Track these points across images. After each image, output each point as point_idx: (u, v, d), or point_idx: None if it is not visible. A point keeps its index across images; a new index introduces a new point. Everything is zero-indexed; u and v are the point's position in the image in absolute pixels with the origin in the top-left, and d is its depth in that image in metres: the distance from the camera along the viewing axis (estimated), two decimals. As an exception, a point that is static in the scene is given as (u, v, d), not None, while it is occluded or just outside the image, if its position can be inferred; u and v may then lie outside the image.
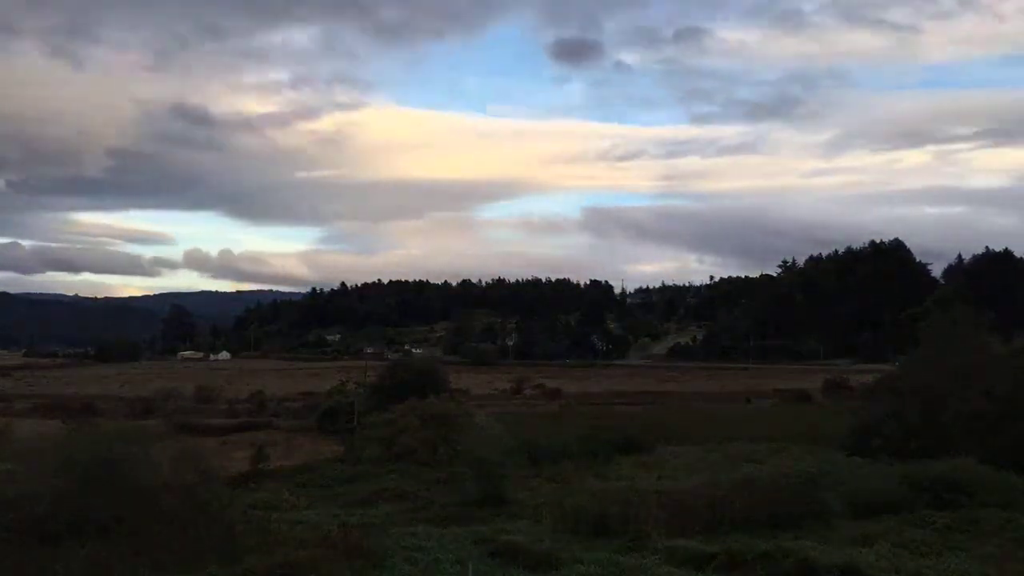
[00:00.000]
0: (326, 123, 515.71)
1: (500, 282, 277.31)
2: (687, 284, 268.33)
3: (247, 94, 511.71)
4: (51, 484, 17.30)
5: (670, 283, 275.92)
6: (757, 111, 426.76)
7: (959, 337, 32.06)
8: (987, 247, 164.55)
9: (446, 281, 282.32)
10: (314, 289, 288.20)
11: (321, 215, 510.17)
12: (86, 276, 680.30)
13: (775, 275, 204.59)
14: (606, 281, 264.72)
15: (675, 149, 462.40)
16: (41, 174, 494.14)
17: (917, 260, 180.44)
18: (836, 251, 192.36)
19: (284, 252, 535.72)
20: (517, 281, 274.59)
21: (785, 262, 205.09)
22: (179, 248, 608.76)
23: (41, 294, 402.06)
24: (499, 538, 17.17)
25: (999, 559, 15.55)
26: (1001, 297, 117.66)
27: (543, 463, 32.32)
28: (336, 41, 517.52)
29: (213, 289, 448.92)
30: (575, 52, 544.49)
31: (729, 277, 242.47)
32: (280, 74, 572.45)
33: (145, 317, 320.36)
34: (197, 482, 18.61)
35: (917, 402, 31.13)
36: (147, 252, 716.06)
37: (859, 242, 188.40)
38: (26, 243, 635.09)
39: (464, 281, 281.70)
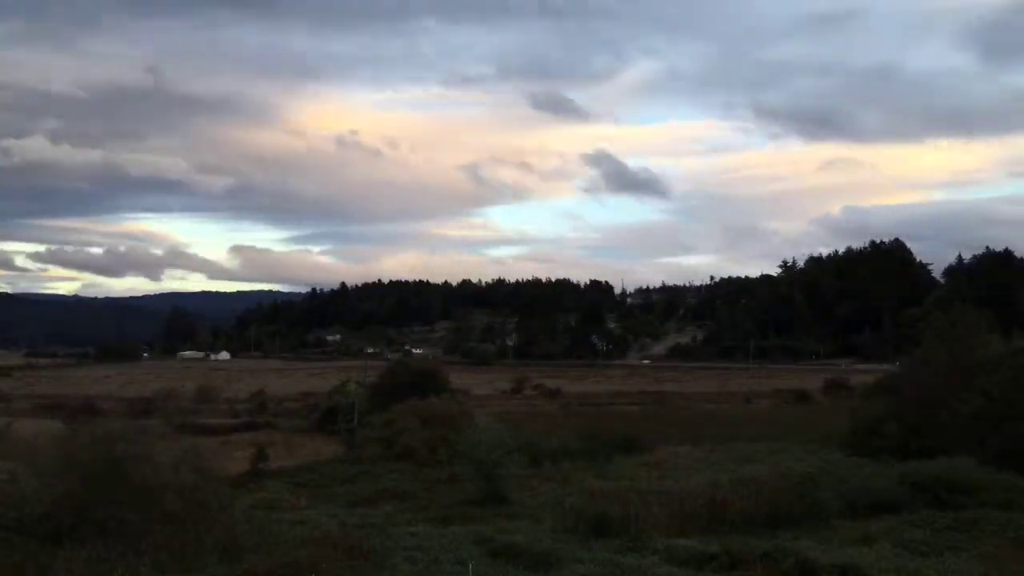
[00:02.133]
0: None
1: (500, 282, 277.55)
2: (687, 284, 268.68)
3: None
4: (51, 484, 17.30)
5: (670, 283, 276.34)
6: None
7: (959, 337, 32.06)
8: (987, 247, 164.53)
9: (446, 281, 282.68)
10: (314, 289, 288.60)
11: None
12: (86, 276, 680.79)
13: (775, 275, 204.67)
14: (606, 281, 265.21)
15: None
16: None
17: (917, 260, 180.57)
18: (836, 251, 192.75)
19: (284, 252, 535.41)
20: (517, 281, 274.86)
21: (785, 262, 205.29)
22: (180, 248, 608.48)
23: (41, 294, 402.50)
24: (499, 538, 17.17)
25: (999, 559, 15.55)
26: (1001, 297, 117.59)
27: (543, 463, 32.33)
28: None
29: (213, 289, 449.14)
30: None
31: (729, 277, 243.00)
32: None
33: (145, 317, 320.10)
34: (197, 482, 18.61)
35: (917, 402, 31.15)
36: (148, 252, 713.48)
37: (859, 242, 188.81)
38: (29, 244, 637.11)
39: (464, 281, 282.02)
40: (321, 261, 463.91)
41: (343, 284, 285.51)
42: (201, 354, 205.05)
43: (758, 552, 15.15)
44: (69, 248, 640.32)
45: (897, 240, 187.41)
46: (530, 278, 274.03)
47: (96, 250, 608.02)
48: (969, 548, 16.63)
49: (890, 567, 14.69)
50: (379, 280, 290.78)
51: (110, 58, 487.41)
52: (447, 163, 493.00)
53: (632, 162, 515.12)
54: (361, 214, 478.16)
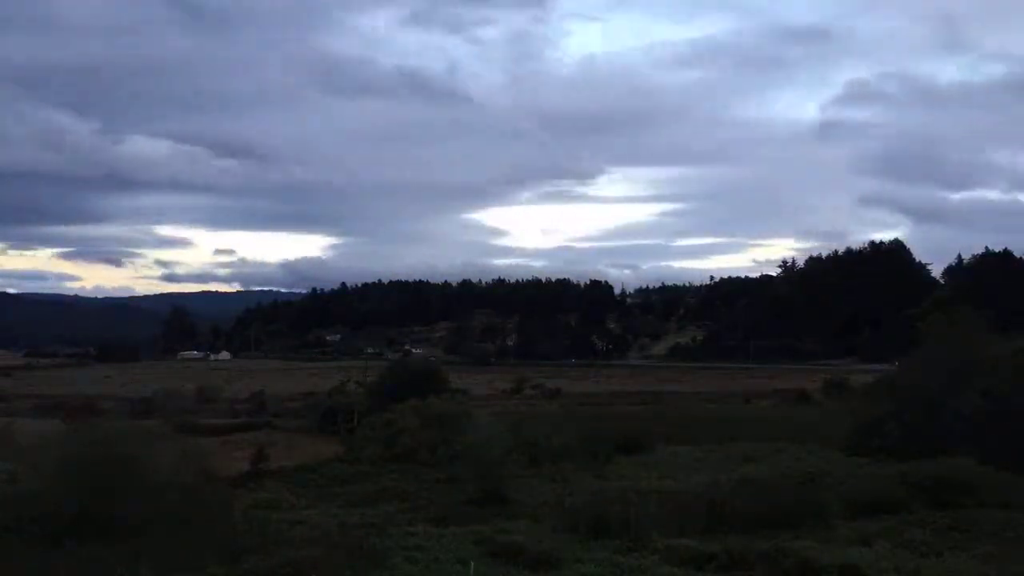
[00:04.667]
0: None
1: (500, 282, 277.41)
2: (687, 284, 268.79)
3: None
4: (51, 484, 17.31)
5: (670, 283, 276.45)
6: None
7: (959, 337, 32.08)
8: (987, 247, 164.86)
9: (446, 281, 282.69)
10: (314, 289, 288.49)
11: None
12: (86, 276, 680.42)
13: (775, 275, 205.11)
14: (606, 281, 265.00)
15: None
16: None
17: (917, 260, 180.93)
18: (836, 251, 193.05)
19: (285, 252, 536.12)
20: (517, 281, 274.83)
21: (785, 262, 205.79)
22: (180, 248, 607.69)
23: (41, 294, 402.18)
24: (499, 538, 17.18)
25: (999, 559, 15.54)
26: (1001, 297, 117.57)
27: (543, 463, 32.33)
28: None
29: (213, 289, 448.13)
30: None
31: (729, 277, 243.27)
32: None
33: (145, 317, 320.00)
34: (197, 482, 18.63)
35: (917, 402, 31.16)
36: (148, 252, 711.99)
37: (859, 242, 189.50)
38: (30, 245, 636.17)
39: (464, 281, 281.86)
40: (321, 261, 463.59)
41: (343, 284, 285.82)
42: (201, 354, 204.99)
43: (758, 552, 15.15)
44: (70, 248, 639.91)
45: (897, 240, 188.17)
46: (530, 278, 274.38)
47: (96, 250, 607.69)
48: (969, 548, 16.62)
49: (890, 567, 14.69)
50: (379, 280, 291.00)
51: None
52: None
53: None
54: (363, 214, 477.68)
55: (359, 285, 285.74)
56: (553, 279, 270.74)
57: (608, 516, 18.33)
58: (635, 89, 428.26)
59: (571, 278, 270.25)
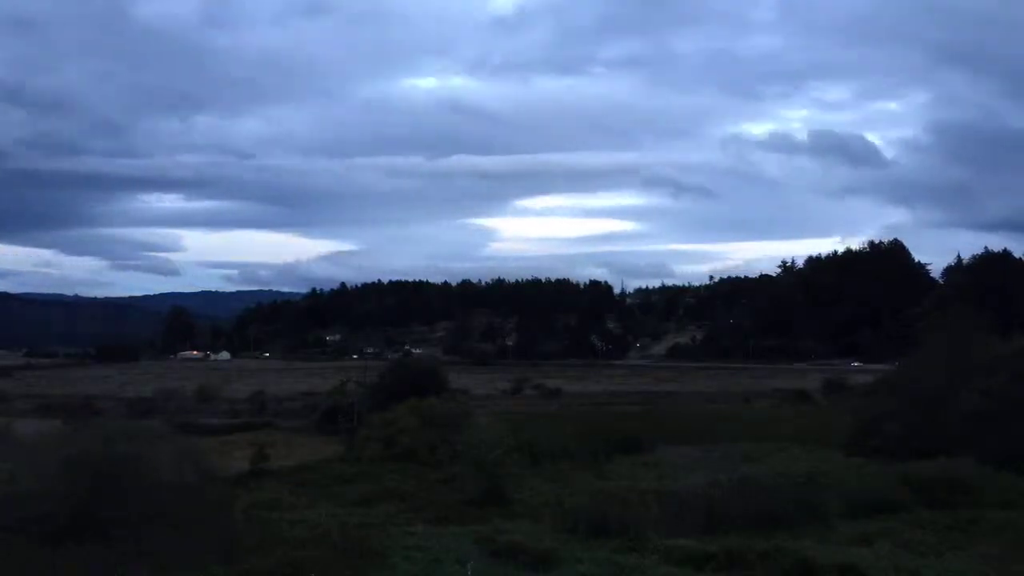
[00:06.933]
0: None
1: (500, 282, 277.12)
2: (687, 284, 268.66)
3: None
4: (52, 484, 17.31)
5: (670, 283, 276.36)
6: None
7: (958, 337, 32.10)
8: (986, 247, 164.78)
9: (446, 281, 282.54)
10: (314, 289, 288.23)
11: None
12: (86, 276, 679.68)
13: (774, 275, 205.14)
14: (605, 281, 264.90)
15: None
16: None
17: (917, 260, 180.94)
18: (836, 251, 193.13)
19: (285, 251, 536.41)
20: (517, 281, 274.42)
21: (784, 262, 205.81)
22: (180, 248, 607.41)
23: (41, 294, 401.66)
24: (499, 537, 17.20)
25: (999, 559, 15.55)
26: (1001, 297, 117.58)
27: (543, 463, 32.35)
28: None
29: (213, 289, 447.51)
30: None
31: (729, 277, 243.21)
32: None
33: (145, 317, 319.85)
34: (197, 482, 18.64)
35: (917, 402, 31.17)
36: (148, 252, 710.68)
37: (859, 242, 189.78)
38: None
39: (464, 281, 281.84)
40: (321, 261, 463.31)
41: (343, 284, 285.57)
42: (201, 354, 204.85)
43: (757, 552, 15.17)
44: (70, 248, 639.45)
45: (896, 240, 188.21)
46: (530, 278, 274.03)
47: (95, 249, 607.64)
48: (969, 548, 16.64)
49: (890, 567, 14.70)
50: (379, 280, 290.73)
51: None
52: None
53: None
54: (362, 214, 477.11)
55: (359, 285, 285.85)
56: (553, 279, 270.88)
57: (608, 516, 18.35)
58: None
59: (571, 278, 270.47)
